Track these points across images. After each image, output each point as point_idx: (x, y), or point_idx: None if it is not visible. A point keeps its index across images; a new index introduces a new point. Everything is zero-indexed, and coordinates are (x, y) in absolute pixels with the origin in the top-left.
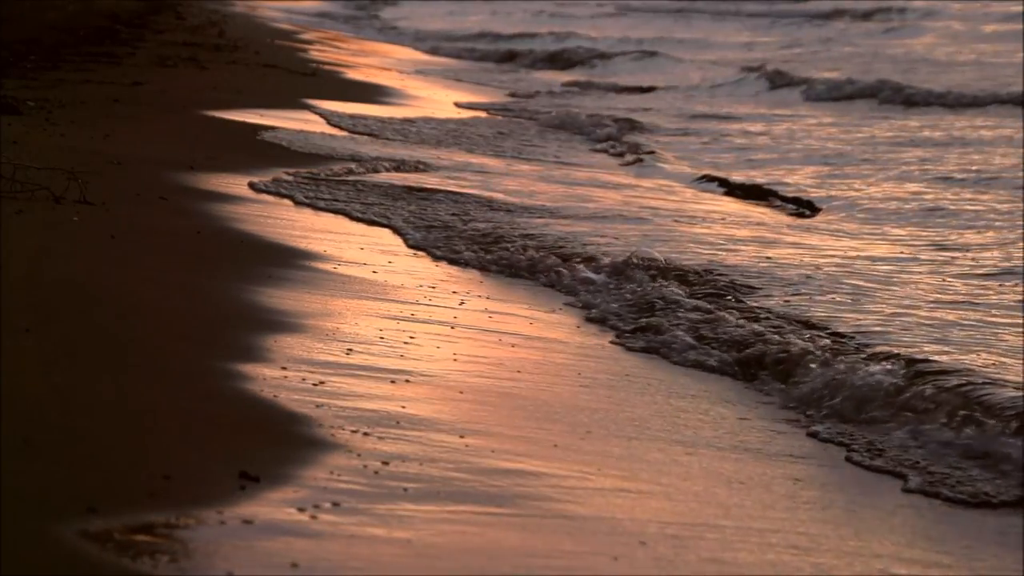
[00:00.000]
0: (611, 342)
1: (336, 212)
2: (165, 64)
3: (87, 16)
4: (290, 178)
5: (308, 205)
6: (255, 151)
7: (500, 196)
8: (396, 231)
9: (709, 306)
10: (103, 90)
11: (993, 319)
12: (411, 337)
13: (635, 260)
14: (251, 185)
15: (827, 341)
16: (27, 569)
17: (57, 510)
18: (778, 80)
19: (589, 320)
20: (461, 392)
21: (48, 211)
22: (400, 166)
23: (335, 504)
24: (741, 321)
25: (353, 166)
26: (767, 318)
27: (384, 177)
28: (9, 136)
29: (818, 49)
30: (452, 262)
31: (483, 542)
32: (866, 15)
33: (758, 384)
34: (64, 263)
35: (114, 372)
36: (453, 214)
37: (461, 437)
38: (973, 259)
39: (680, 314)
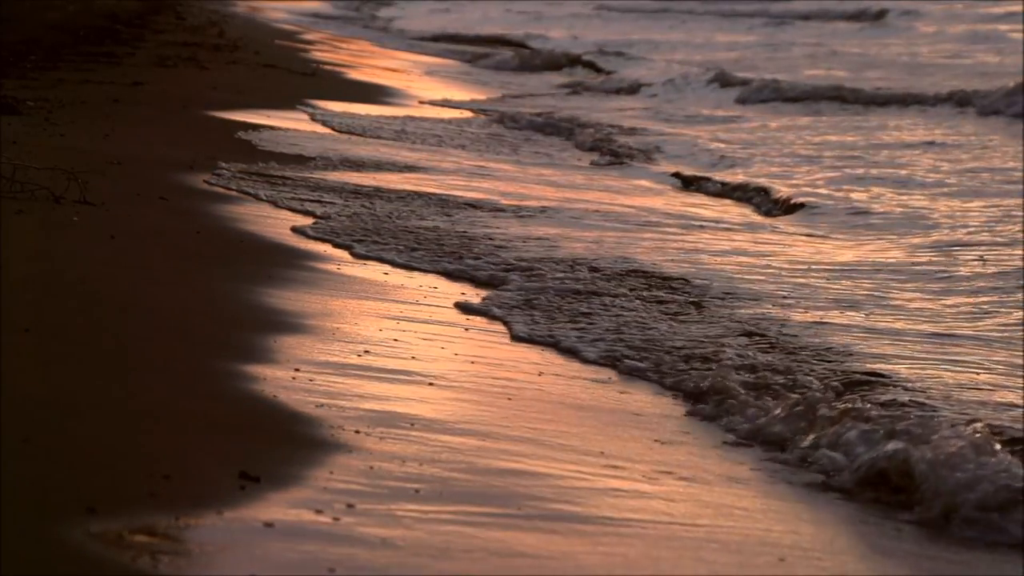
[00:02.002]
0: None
1: (297, 211)
2: (165, 64)
3: (87, 16)
4: (249, 175)
5: (270, 203)
6: (241, 150)
7: (469, 195)
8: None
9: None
10: (103, 90)
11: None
12: (413, 337)
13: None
14: (207, 183)
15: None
16: (27, 569)
17: (57, 510)
18: (738, 81)
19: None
20: (467, 392)
21: (48, 211)
22: (382, 166)
23: (349, 506)
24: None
25: (329, 164)
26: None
27: (352, 177)
28: (9, 136)
29: (792, 49)
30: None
31: (494, 543)
32: (849, 16)
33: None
34: (64, 263)
35: (114, 372)
36: (403, 212)
37: (479, 439)
38: (936, 264)
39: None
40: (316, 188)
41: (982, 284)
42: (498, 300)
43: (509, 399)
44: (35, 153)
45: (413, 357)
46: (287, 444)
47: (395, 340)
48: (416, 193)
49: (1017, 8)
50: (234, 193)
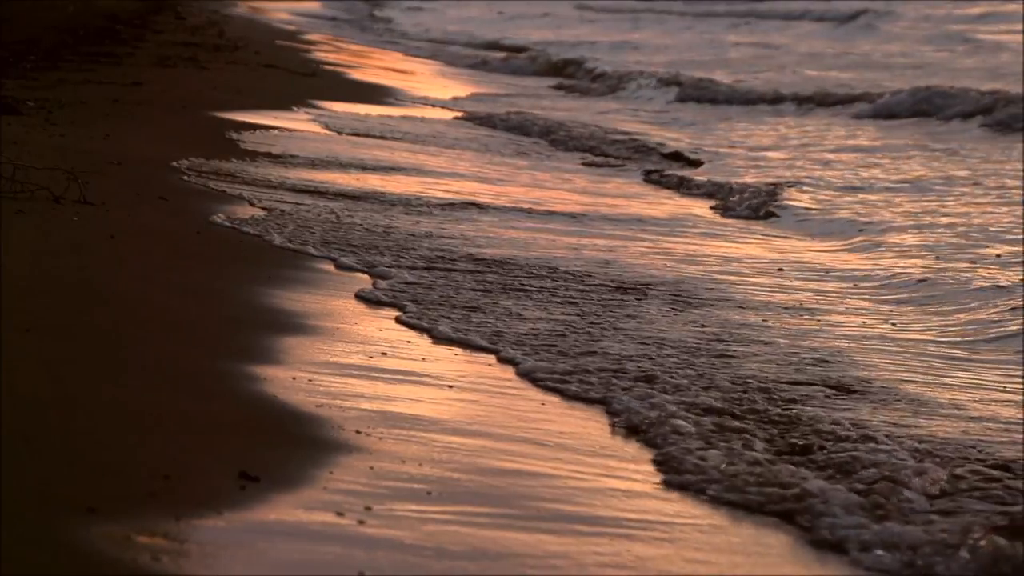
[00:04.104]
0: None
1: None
2: (165, 64)
3: (87, 16)
4: (215, 174)
5: (241, 199)
6: (226, 149)
7: (454, 196)
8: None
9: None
10: (103, 90)
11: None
12: (415, 336)
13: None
14: (182, 179)
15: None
16: (27, 569)
17: (57, 510)
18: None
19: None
20: (468, 392)
21: (48, 211)
22: (369, 167)
23: (349, 506)
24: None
25: (314, 164)
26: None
27: (336, 177)
28: (9, 136)
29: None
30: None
31: (494, 543)
32: (825, 17)
33: None
34: (64, 263)
35: (114, 372)
36: (376, 211)
37: (479, 439)
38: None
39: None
40: (287, 188)
41: (962, 289)
42: (392, 289)
43: (513, 399)
44: (35, 153)
45: (424, 359)
46: (287, 444)
47: (395, 340)
48: (399, 193)
49: (992, 10)
50: (212, 191)
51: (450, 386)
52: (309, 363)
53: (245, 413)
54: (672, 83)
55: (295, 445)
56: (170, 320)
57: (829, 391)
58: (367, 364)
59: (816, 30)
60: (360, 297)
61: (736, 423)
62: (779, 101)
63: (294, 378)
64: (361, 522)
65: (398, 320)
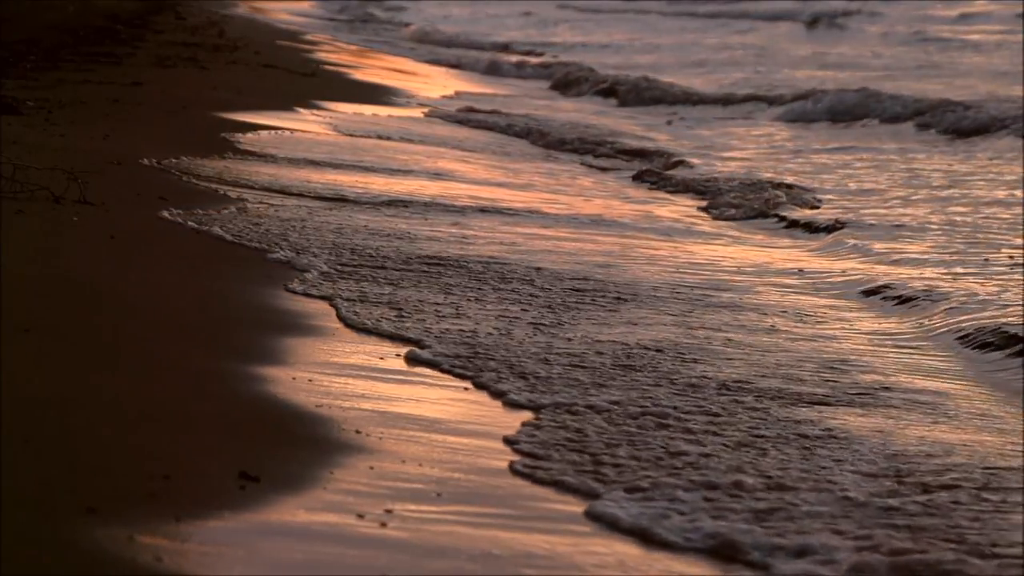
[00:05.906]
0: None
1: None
2: (165, 64)
3: (87, 16)
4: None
5: (240, 200)
6: (234, 150)
7: (455, 200)
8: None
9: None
10: (103, 90)
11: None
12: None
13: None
14: (181, 179)
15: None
16: (27, 569)
17: (57, 510)
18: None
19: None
20: (468, 391)
21: (48, 211)
22: (365, 167)
23: (348, 505)
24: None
25: (304, 164)
26: None
27: (331, 177)
28: (9, 136)
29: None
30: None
31: (492, 543)
32: (807, 18)
33: None
34: (64, 263)
35: (114, 372)
36: (358, 210)
37: (478, 439)
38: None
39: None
40: (279, 189)
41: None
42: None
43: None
44: (35, 153)
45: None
46: (287, 444)
47: (397, 340)
48: (392, 193)
49: (970, 10)
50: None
51: (465, 388)
52: (309, 363)
53: (245, 413)
54: (655, 84)
55: (295, 445)
56: (170, 320)
57: (802, 394)
58: (367, 364)
59: (800, 30)
60: (287, 289)
61: (686, 428)
62: (762, 101)
63: (294, 378)
64: (360, 522)
65: (338, 316)
